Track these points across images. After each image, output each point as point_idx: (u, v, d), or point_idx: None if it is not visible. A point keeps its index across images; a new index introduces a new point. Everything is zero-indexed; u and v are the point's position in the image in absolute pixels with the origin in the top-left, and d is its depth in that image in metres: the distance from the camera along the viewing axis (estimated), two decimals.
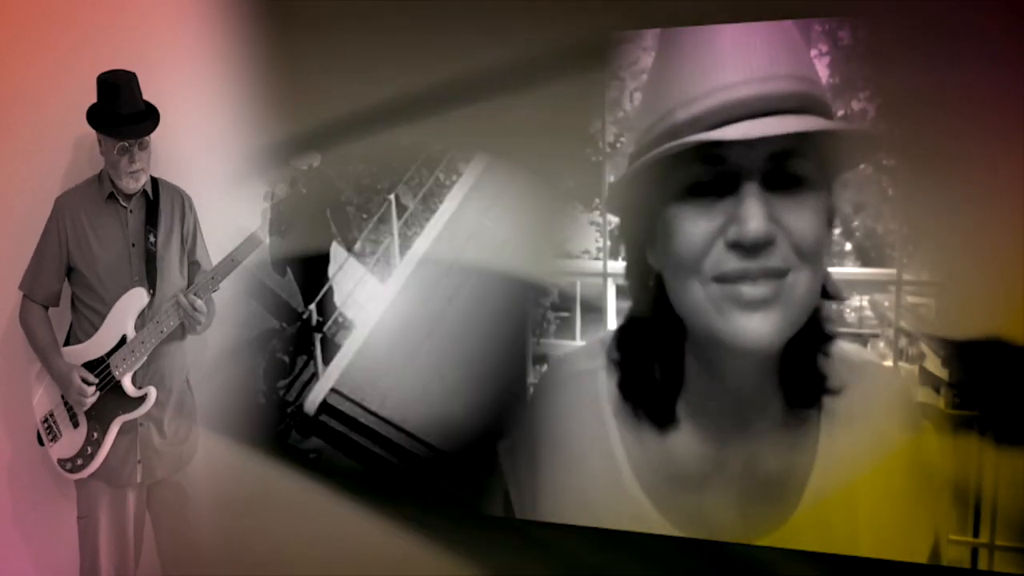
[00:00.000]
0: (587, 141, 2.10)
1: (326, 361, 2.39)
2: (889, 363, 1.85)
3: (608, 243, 2.10)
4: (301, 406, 2.39)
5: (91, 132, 2.18)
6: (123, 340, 2.14)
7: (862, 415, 1.65)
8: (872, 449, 1.68)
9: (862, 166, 1.79)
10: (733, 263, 1.46)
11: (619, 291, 2.12)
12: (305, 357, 2.43)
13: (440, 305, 2.29)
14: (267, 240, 2.17)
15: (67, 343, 2.23)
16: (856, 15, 1.82)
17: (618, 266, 2.10)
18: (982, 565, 1.80)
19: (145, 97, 2.19)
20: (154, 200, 2.23)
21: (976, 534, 1.80)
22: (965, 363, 1.80)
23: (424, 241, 2.31)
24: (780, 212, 1.44)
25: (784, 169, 1.44)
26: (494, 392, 2.21)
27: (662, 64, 1.64)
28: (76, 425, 2.18)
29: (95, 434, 2.16)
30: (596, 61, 2.04)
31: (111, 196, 2.20)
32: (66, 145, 2.43)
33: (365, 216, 2.36)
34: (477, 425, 2.21)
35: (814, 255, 1.48)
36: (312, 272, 2.41)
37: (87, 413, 2.16)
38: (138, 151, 2.14)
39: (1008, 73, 1.73)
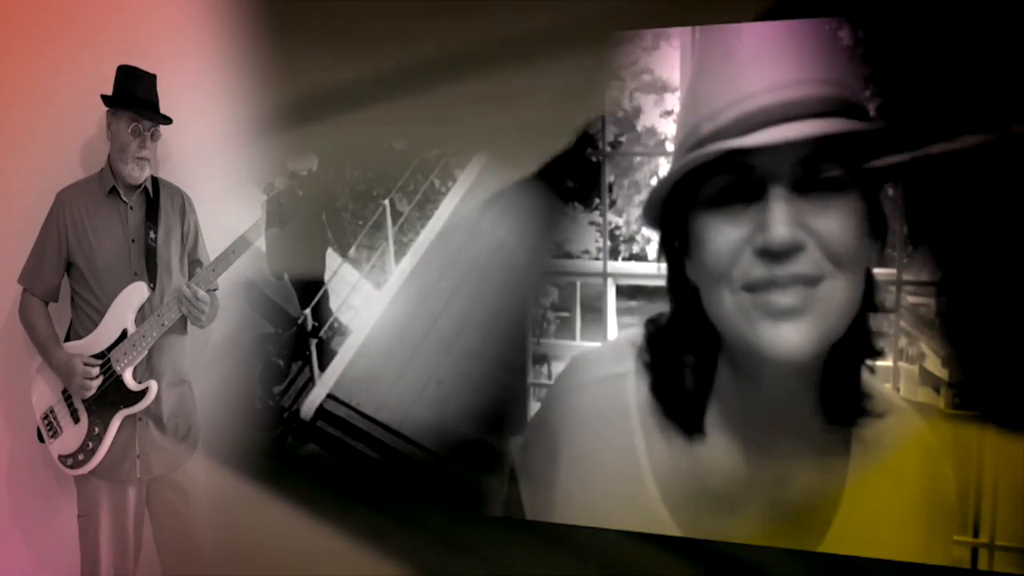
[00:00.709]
0: (587, 141, 2.11)
1: (322, 366, 2.40)
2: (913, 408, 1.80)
3: (608, 243, 2.11)
4: (297, 412, 2.40)
5: (93, 131, 2.21)
6: (124, 335, 2.15)
7: (890, 452, 1.61)
8: (898, 488, 1.64)
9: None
10: (761, 271, 1.42)
11: (619, 291, 2.12)
12: (301, 362, 2.43)
13: (437, 307, 2.28)
14: (266, 231, 2.17)
15: (67, 339, 2.24)
16: (856, 15, 1.83)
17: (618, 266, 2.10)
18: (982, 565, 1.78)
19: None
20: (154, 198, 2.25)
21: (976, 534, 1.78)
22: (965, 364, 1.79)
23: (421, 244, 2.32)
24: (809, 217, 1.40)
25: (813, 173, 1.41)
26: (493, 394, 2.20)
27: (695, 79, 1.64)
28: (77, 420, 2.19)
29: (96, 429, 2.16)
30: (596, 61, 2.06)
31: (112, 191, 2.21)
32: (67, 143, 2.44)
33: (361, 222, 2.37)
34: (476, 428, 2.21)
35: (850, 261, 1.43)
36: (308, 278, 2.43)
37: (88, 408, 2.17)
38: (149, 139, 2.18)
39: (1008, 72, 1.73)
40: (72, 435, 2.18)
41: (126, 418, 2.16)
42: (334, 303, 2.42)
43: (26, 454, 2.43)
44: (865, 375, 1.60)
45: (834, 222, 1.41)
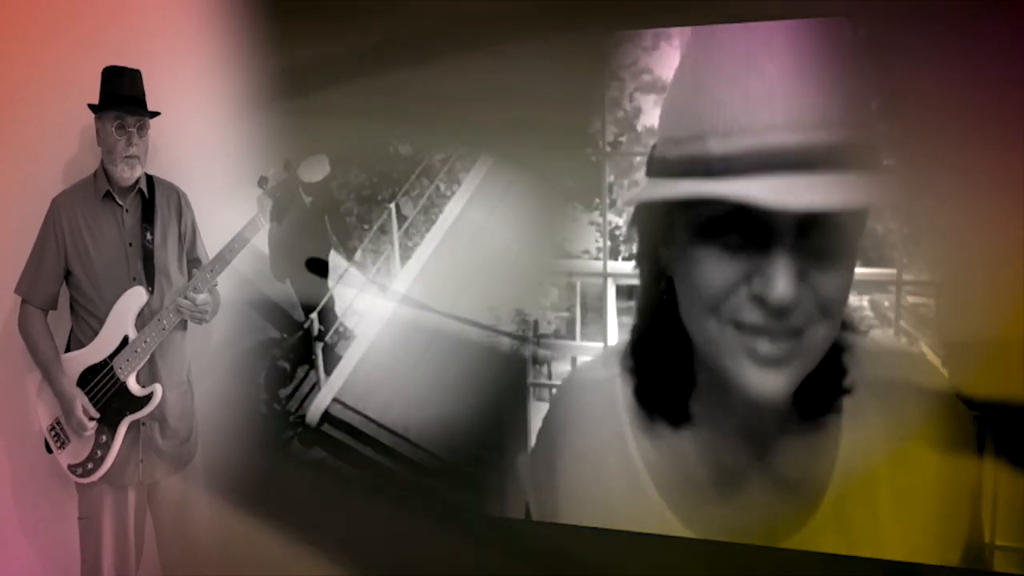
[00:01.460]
0: (587, 141, 2.10)
1: (328, 371, 2.40)
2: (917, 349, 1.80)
3: (608, 243, 2.11)
4: (303, 417, 2.40)
5: (91, 132, 2.19)
6: (125, 341, 2.14)
7: (888, 405, 1.58)
8: (897, 440, 1.60)
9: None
10: (754, 316, 1.39)
11: (619, 291, 2.12)
12: (307, 367, 2.44)
13: (442, 311, 2.29)
14: (265, 226, 2.16)
15: (68, 347, 2.22)
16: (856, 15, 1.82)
17: (618, 266, 2.10)
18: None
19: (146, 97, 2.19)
20: (150, 198, 2.22)
21: None
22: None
23: (426, 247, 2.32)
24: (809, 271, 1.36)
25: (819, 231, 1.35)
26: (496, 395, 2.21)
27: (698, 65, 1.47)
28: None
29: (103, 437, 2.15)
30: (596, 61, 2.04)
31: (107, 195, 2.18)
32: (66, 145, 2.43)
33: (366, 226, 2.37)
34: (480, 431, 2.22)
35: (837, 311, 1.41)
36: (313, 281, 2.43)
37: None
38: (136, 135, 2.14)
39: (1009, 72, 1.72)
40: (80, 444, 2.18)
41: (133, 423, 2.17)
42: (339, 308, 2.42)
43: (27, 457, 2.44)
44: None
45: (831, 277, 1.38)
